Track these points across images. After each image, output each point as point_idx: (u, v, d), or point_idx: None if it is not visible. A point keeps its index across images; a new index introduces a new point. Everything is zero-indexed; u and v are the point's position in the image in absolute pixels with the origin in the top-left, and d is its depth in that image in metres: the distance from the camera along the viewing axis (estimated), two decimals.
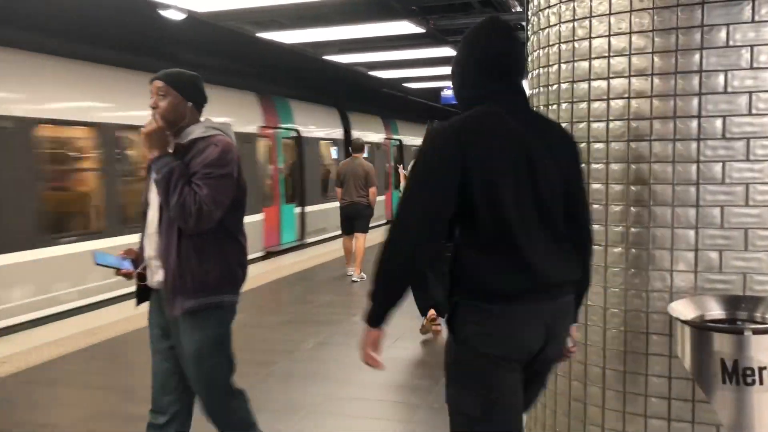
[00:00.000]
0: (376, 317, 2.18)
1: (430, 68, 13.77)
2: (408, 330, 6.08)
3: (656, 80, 2.64)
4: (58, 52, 8.22)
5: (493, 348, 2.04)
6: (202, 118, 2.94)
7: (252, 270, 8.59)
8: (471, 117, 2.08)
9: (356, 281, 8.56)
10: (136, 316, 6.67)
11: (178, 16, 8.57)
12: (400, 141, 20.84)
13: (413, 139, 20.87)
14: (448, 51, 11.63)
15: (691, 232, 2.61)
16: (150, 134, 2.75)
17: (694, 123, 2.58)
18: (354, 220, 8.65)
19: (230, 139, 2.87)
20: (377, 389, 4.62)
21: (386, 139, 19.64)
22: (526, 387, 2.16)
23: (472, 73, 2.19)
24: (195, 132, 2.84)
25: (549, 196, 2.08)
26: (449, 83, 13.50)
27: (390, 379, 4.82)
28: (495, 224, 2.01)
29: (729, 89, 2.53)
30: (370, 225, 9.00)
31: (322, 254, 11.06)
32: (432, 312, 5.59)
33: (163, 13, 8.44)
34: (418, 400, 4.35)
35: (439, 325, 5.92)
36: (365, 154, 9.76)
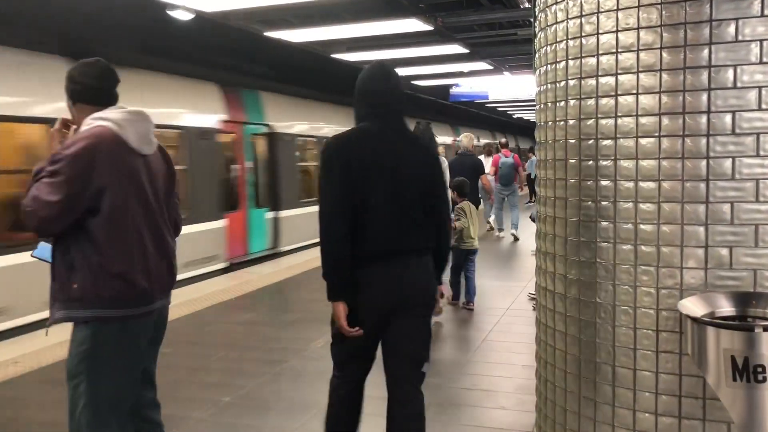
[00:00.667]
0: (333, 293, 2.86)
1: (438, 65, 13.75)
2: None
3: (665, 76, 2.62)
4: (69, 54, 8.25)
5: (370, 299, 2.93)
6: (114, 108, 2.67)
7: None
8: (348, 134, 2.93)
9: None
10: None
11: (185, 17, 8.59)
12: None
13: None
14: (457, 48, 11.61)
15: (701, 229, 2.59)
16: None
17: (704, 119, 2.56)
18: None
19: (114, 129, 2.56)
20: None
21: None
22: (400, 336, 2.98)
23: (357, 102, 3.01)
24: (81, 129, 2.63)
25: (408, 190, 2.89)
26: (458, 80, 13.52)
27: None
28: (357, 211, 2.80)
29: (738, 84, 2.51)
30: None
31: (301, 263, 9.94)
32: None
33: (171, 13, 8.46)
34: (431, 397, 4.34)
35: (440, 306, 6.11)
36: None
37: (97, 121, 2.59)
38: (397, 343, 2.98)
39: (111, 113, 2.63)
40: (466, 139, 9.64)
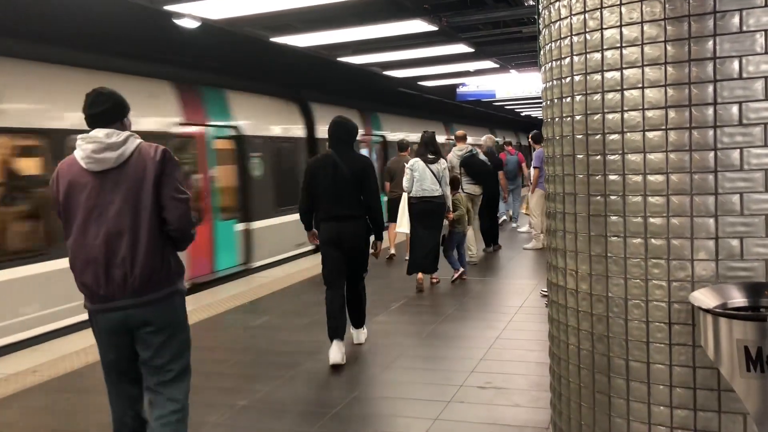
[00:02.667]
0: (306, 228, 5.56)
1: (444, 65, 13.74)
2: (433, 335, 6.12)
3: (670, 69, 2.63)
4: (73, 62, 8.31)
5: (324, 237, 5.37)
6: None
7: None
8: (317, 156, 5.67)
9: (393, 253, 10.14)
10: None
11: (192, 25, 8.65)
12: (383, 137, 17.26)
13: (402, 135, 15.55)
14: (462, 48, 11.61)
15: (711, 220, 2.59)
16: None
17: (710, 110, 2.57)
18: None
19: (72, 156, 3.04)
20: (403, 387, 4.64)
21: (363, 135, 15.56)
22: (348, 259, 5.39)
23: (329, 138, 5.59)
24: None
25: (338, 184, 5.24)
26: (465, 80, 13.48)
27: (415, 378, 4.83)
28: (315, 197, 5.34)
29: (744, 75, 2.51)
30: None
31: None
32: (420, 275, 7.99)
33: (178, 21, 8.52)
34: (443, 396, 4.36)
35: (436, 278, 8.28)
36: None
37: None
38: (350, 267, 5.47)
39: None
40: (489, 140, 11.43)
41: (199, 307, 7.38)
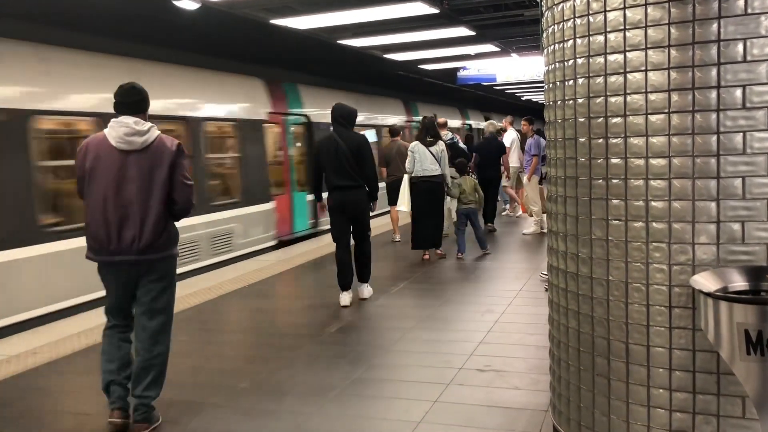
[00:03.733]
0: (316, 199, 6.72)
1: (445, 49, 13.68)
2: (439, 319, 6.14)
3: (673, 52, 2.61)
4: (73, 44, 8.29)
5: (330, 204, 6.48)
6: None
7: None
8: (323, 137, 6.72)
9: (398, 241, 10.35)
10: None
11: (191, 6, 8.59)
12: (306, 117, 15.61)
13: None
14: (464, 31, 11.55)
15: (713, 204, 2.59)
16: None
17: (713, 94, 2.55)
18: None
19: (102, 134, 3.72)
20: (403, 370, 4.66)
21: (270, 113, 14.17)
22: (352, 221, 6.53)
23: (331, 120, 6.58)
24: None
25: (341, 159, 6.33)
26: (466, 63, 13.49)
27: (415, 361, 4.86)
28: (322, 170, 6.52)
29: (748, 58, 2.50)
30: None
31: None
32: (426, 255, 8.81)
33: (177, 3, 8.47)
34: (442, 379, 4.38)
35: (441, 252, 8.99)
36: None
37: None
38: (354, 227, 6.59)
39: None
40: (491, 126, 11.88)
41: (200, 290, 7.39)
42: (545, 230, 10.60)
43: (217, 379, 4.59)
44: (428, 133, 8.60)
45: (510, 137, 12.11)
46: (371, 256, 6.78)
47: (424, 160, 8.47)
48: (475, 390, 4.22)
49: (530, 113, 12.34)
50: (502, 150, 11.64)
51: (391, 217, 10.54)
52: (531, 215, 11.05)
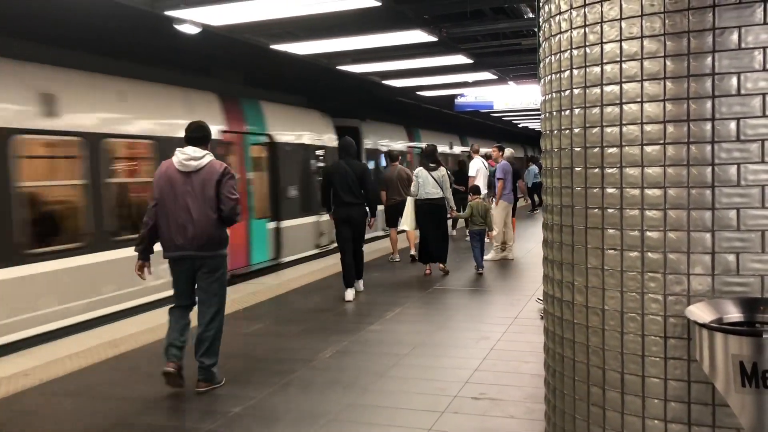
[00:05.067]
0: (327, 211, 8.33)
1: (443, 76, 13.80)
2: (432, 345, 6.12)
3: (669, 84, 2.65)
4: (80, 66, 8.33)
5: (336, 216, 8.09)
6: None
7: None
8: (333, 163, 8.51)
9: (397, 261, 10.99)
10: (157, 327, 6.73)
11: (193, 30, 8.67)
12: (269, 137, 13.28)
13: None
14: (462, 59, 11.66)
15: (708, 235, 2.60)
16: None
17: (708, 126, 2.58)
18: (401, 213, 10.58)
19: (170, 160, 4.92)
20: (397, 397, 4.62)
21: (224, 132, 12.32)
22: (353, 232, 8.10)
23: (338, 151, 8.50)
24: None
25: (348, 182, 7.95)
26: (463, 91, 13.65)
27: (409, 387, 4.82)
28: (331, 190, 8.05)
29: (742, 91, 2.53)
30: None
31: (306, 274, 10.02)
32: (428, 267, 9.66)
33: (179, 27, 8.54)
34: (437, 407, 4.35)
35: (444, 267, 9.68)
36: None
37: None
38: (353, 239, 8.04)
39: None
40: (509, 152, 12.52)
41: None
42: (508, 257, 10.84)
43: (210, 404, 4.55)
44: (429, 159, 9.60)
45: (475, 166, 12.11)
46: (363, 258, 8.43)
47: (426, 184, 9.40)
48: (469, 418, 4.19)
49: (526, 140, 12.49)
50: (518, 175, 12.54)
51: (391, 239, 11.28)
52: (505, 243, 11.06)
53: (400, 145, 18.48)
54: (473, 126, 27.05)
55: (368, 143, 16.62)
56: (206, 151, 4.88)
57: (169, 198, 4.79)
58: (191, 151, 4.84)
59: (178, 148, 4.90)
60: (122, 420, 4.33)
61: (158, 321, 7.06)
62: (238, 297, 8.21)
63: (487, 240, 10.87)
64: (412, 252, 10.94)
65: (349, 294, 7.99)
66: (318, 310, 7.56)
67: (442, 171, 9.55)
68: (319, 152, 13.78)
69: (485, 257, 10.73)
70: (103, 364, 5.57)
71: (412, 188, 9.61)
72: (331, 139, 14.31)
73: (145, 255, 4.94)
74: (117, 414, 4.45)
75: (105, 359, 5.67)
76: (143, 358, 5.80)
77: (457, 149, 23.69)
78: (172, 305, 5.00)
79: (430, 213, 9.46)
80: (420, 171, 9.50)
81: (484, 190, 12.07)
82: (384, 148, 16.84)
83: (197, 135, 4.95)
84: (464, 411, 4.31)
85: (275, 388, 4.86)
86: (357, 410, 4.38)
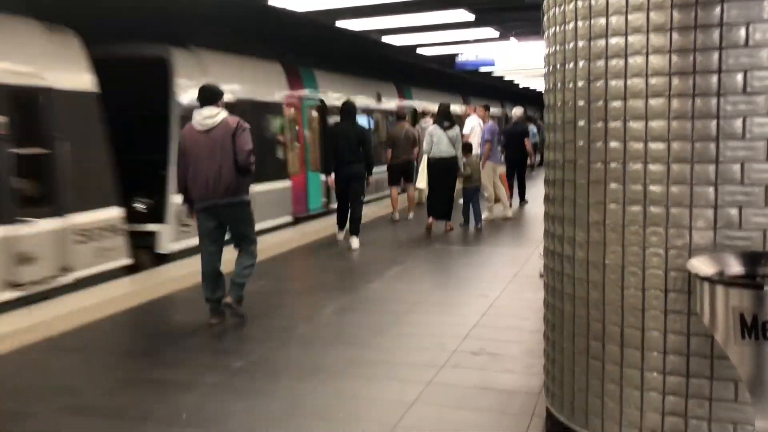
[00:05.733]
0: (329, 172, 8.77)
1: (444, 32, 13.58)
2: (428, 302, 6.16)
3: (675, 35, 2.60)
4: None
5: (338, 173, 8.71)
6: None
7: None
8: (336, 124, 9.03)
9: (410, 219, 10.93)
10: (159, 284, 6.76)
11: None
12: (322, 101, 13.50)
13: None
14: (464, 14, 11.46)
15: (711, 189, 2.59)
16: None
17: (714, 78, 2.55)
18: (405, 173, 10.94)
19: (190, 123, 5.38)
20: (397, 352, 4.67)
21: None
22: (352, 188, 8.69)
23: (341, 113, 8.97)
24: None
25: (349, 142, 8.52)
26: (463, 48, 13.43)
27: (409, 343, 4.87)
28: (336, 150, 8.62)
29: (750, 43, 2.49)
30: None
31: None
32: (430, 220, 9.72)
33: None
34: (436, 361, 4.40)
35: (450, 225, 9.77)
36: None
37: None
38: (353, 194, 8.64)
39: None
40: (519, 111, 13.02)
41: (192, 272, 7.38)
42: (501, 217, 10.90)
43: (213, 359, 4.60)
44: (444, 118, 9.65)
45: (470, 124, 12.03)
46: (361, 217, 8.79)
47: (440, 143, 9.47)
48: (468, 372, 4.24)
49: (528, 100, 12.49)
50: (525, 134, 12.73)
51: (391, 198, 11.17)
52: (497, 201, 11.10)
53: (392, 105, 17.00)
54: (473, 85, 26.49)
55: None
56: (220, 109, 5.28)
57: (192, 156, 5.25)
58: (207, 111, 5.25)
59: (195, 110, 5.34)
60: (128, 374, 4.38)
61: (160, 278, 7.09)
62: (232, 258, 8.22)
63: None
64: (396, 216, 10.95)
65: (340, 235, 8.99)
66: (320, 269, 7.59)
67: (456, 130, 9.66)
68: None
69: (507, 215, 10.81)
70: (108, 320, 5.60)
71: (425, 146, 9.67)
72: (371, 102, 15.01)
73: (191, 206, 5.46)
74: (122, 369, 4.49)
75: (108, 315, 5.70)
76: (146, 314, 5.84)
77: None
78: (204, 250, 5.43)
79: (443, 171, 9.54)
80: (435, 129, 9.59)
81: (477, 149, 12.01)
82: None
83: (209, 96, 5.33)
84: (463, 365, 4.35)
85: (277, 343, 4.90)
86: (357, 365, 4.43)
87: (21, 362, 4.62)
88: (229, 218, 5.39)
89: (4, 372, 4.44)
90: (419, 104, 18.48)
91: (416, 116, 16.96)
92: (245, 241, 5.52)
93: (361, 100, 14.27)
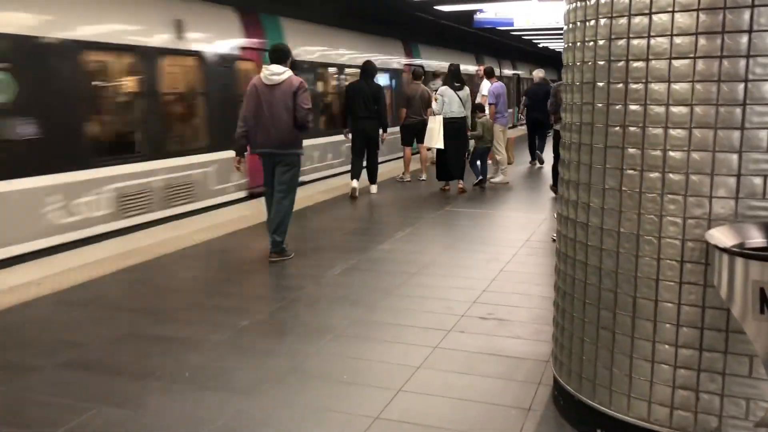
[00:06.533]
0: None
1: None
2: (435, 264, 6.09)
3: None
4: None
5: (353, 127, 9.63)
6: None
7: (228, 213, 8.80)
8: (353, 82, 10.04)
9: (423, 180, 11.02)
10: (168, 239, 6.75)
11: None
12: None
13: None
14: None
15: (734, 156, 2.46)
16: None
17: (744, 38, 2.40)
18: (418, 134, 10.78)
19: (258, 75, 6.11)
20: (404, 315, 4.62)
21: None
22: (368, 142, 9.62)
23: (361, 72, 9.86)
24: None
25: (364, 99, 9.38)
26: (482, 6, 13.26)
27: (416, 305, 4.82)
28: (352, 106, 9.51)
29: None
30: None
31: (330, 189, 10.34)
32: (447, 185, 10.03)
33: None
34: (443, 325, 4.35)
35: (462, 186, 9.89)
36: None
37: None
38: (368, 145, 9.57)
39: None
40: (541, 72, 13.26)
41: (203, 228, 7.36)
42: (504, 180, 10.78)
43: (219, 317, 4.57)
44: (455, 79, 9.74)
45: (487, 86, 11.87)
46: (377, 167, 9.83)
47: (452, 103, 9.59)
48: (476, 338, 4.19)
49: (547, 61, 12.31)
50: (548, 95, 12.34)
51: (404, 158, 11.18)
52: (495, 164, 10.97)
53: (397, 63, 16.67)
54: (489, 44, 25.64)
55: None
56: (286, 68, 5.96)
57: (257, 106, 5.92)
58: (275, 68, 5.95)
59: (264, 65, 6.11)
60: (133, 330, 4.37)
61: (166, 235, 7.08)
62: (250, 213, 8.20)
63: (489, 162, 10.84)
64: (407, 177, 11.02)
65: (354, 183, 9.42)
66: (327, 228, 7.53)
67: (467, 91, 9.76)
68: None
69: (493, 180, 10.68)
70: (116, 275, 5.60)
71: (436, 107, 9.78)
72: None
73: (240, 152, 6.13)
74: (128, 324, 4.48)
75: (116, 270, 5.69)
76: (153, 270, 5.83)
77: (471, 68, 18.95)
78: (264, 191, 6.24)
79: (453, 131, 9.62)
80: (446, 90, 9.65)
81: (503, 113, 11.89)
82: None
83: (278, 55, 6.06)
84: (471, 330, 4.30)
85: (283, 303, 4.87)
86: (364, 326, 4.39)
87: (30, 315, 4.63)
88: (280, 166, 5.99)
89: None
90: (428, 64, 17.22)
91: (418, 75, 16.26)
92: (290, 189, 6.08)
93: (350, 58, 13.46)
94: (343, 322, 4.45)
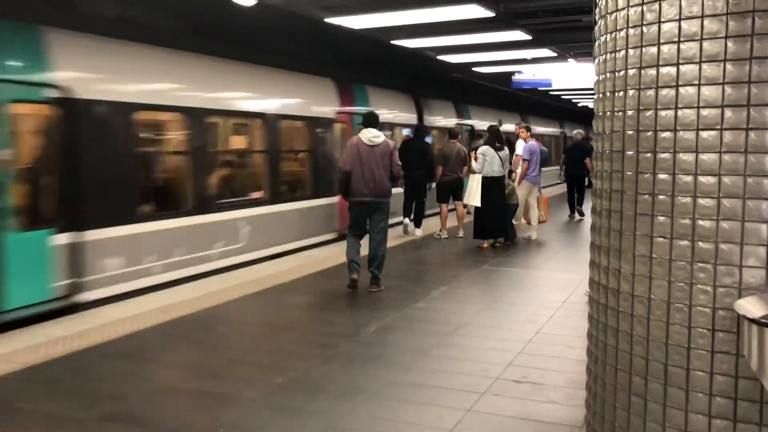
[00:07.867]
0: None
1: (500, 52, 13.53)
2: (477, 325, 6.08)
3: (729, 66, 2.52)
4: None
5: (407, 179, 10.87)
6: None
7: (265, 269, 8.98)
8: (405, 141, 11.78)
9: (460, 237, 11.11)
10: (208, 295, 6.89)
11: (248, 2, 8.71)
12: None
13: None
14: (520, 35, 11.40)
15: (764, 226, 2.49)
16: None
17: None
18: (455, 191, 11.20)
19: (358, 137, 7.35)
20: (438, 376, 4.62)
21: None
22: (417, 191, 11.19)
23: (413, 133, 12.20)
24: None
25: (418, 156, 10.87)
26: (520, 67, 13.42)
27: (451, 367, 4.81)
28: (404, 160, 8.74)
29: None
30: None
31: (320, 260, 10.47)
32: (484, 244, 10.14)
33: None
34: (477, 388, 4.33)
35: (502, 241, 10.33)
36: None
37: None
38: (417, 195, 11.15)
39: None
40: (580, 132, 14.54)
41: (241, 284, 7.50)
42: (532, 237, 10.92)
43: (253, 373, 4.64)
44: (496, 139, 10.17)
45: (521, 146, 11.94)
46: (424, 213, 11.28)
47: (493, 163, 9.98)
48: (510, 401, 4.16)
49: (586, 120, 12.48)
50: (586, 153, 13.54)
51: (441, 215, 11.41)
52: (529, 223, 11.10)
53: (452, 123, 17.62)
54: (527, 103, 25.88)
55: None
56: (381, 132, 7.30)
57: (359, 162, 7.09)
58: (375, 131, 7.22)
59: (363, 128, 7.28)
60: (171, 385, 4.46)
61: (207, 289, 7.22)
62: (282, 271, 8.32)
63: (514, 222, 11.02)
64: (444, 235, 11.14)
65: (407, 221, 11.13)
66: (362, 285, 7.60)
67: (506, 151, 10.24)
68: (405, 130, 14.29)
69: (532, 237, 10.77)
70: (156, 329, 5.73)
71: (477, 165, 10.05)
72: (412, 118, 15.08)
73: (347, 197, 7.29)
74: (165, 379, 4.58)
75: (156, 324, 5.83)
76: (192, 324, 5.95)
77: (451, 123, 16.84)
78: (349, 234, 7.29)
79: (493, 190, 9.98)
80: (487, 149, 10.02)
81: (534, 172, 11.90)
82: None
83: (374, 120, 7.35)
84: (505, 394, 4.28)
85: (318, 360, 4.92)
86: (397, 387, 4.40)
87: (72, 365, 4.77)
88: (377, 213, 7.19)
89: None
90: (477, 124, 18.05)
91: (473, 136, 16.88)
92: (384, 230, 7.30)
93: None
94: (377, 382, 4.48)
